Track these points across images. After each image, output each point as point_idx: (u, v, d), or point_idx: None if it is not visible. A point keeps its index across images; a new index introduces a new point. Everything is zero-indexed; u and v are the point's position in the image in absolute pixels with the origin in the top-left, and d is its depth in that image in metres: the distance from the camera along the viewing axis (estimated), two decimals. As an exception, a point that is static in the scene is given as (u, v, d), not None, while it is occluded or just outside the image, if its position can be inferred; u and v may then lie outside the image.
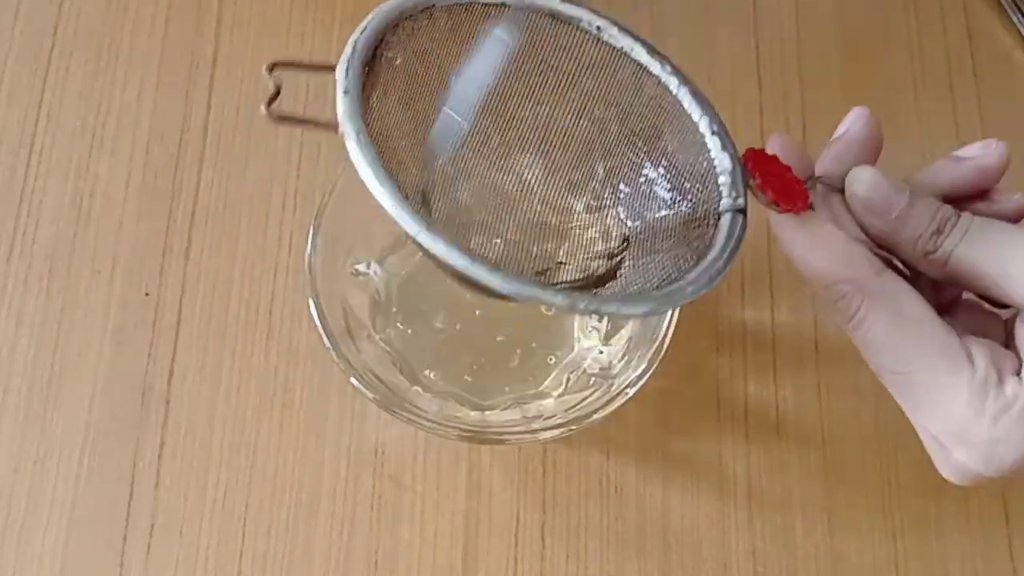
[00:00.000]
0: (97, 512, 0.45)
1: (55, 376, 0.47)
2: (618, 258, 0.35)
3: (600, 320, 0.46)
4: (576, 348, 0.46)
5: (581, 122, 0.35)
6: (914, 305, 0.31)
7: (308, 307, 0.41)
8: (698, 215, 0.33)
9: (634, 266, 0.34)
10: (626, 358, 0.43)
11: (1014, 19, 0.54)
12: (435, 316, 0.46)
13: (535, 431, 0.41)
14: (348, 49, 0.31)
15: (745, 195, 0.32)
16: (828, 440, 0.46)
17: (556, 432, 0.40)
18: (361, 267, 0.45)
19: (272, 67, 0.30)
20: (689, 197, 0.33)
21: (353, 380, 0.40)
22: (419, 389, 0.44)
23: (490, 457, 0.46)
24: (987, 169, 0.33)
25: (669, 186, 0.34)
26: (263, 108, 0.29)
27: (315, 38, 0.53)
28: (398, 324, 0.46)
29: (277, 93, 0.29)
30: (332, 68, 0.30)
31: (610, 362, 0.44)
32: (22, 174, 0.50)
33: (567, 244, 0.36)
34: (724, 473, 0.46)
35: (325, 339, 0.40)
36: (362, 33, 0.31)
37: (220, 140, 0.51)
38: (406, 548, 0.44)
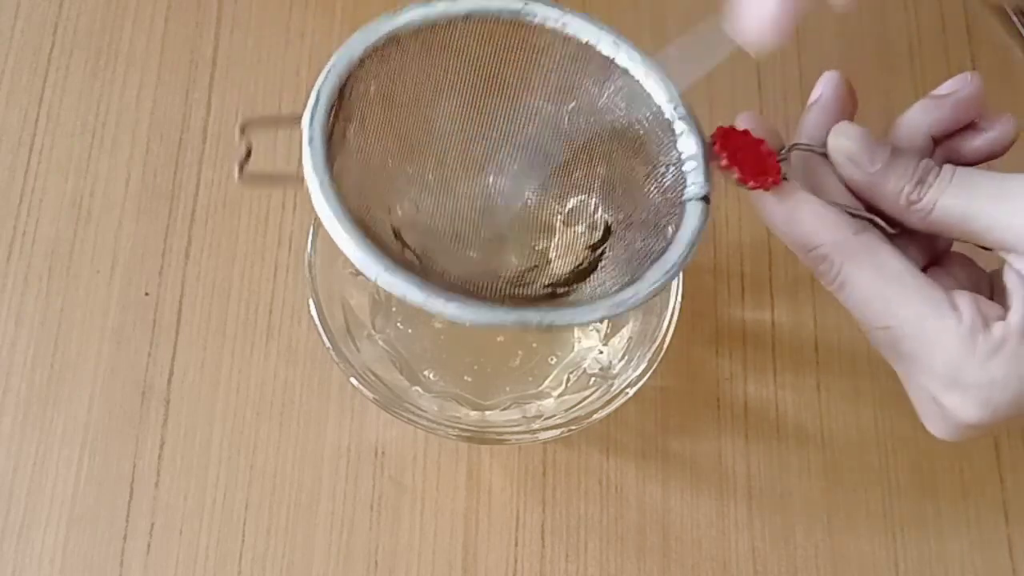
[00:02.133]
0: (97, 512, 0.45)
1: (55, 376, 0.47)
2: (600, 250, 0.35)
3: (600, 320, 0.46)
4: (576, 348, 0.46)
5: (551, 119, 0.35)
6: (894, 259, 0.32)
7: (308, 307, 0.41)
8: (667, 201, 0.33)
9: (612, 258, 0.34)
10: (626, 358, 0.43)
11: (1014, 19, 0.54)
12: (435, 316, 0.46)
13: (535, 431, 0.41)
14: (312, 99, 0.31)
15: (709, 180, 0.32)
16: (828, 440, 0.46)
17: (556, 432, 0.40)
18: (361, 267, 0.45)
19: (244, 128, 0.30)
20: (658, 184, 0.34)
21: (353, 380, 0.40)
22: (419, 389, 0.44)
23: (490, 457, 0.46)
24: (965, 101, 0.34)
25: (640, 175, 0.34)
26: (236, 173, 0.30)
27: (315, 38, 0.53)
28: (398, 324, 0.46)
29: (248, 155, 0.30)
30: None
31: (610, 362, 0.44)
32: (22, 174, 0.50)
33: (554, 240, 0.37)
34: (724, 473, 0.46)
35: (325, 339, 0.40)
36: (324, 81, 0.31)
37: (220, 140, 0.51)
38: (406, 548, 0.44)
